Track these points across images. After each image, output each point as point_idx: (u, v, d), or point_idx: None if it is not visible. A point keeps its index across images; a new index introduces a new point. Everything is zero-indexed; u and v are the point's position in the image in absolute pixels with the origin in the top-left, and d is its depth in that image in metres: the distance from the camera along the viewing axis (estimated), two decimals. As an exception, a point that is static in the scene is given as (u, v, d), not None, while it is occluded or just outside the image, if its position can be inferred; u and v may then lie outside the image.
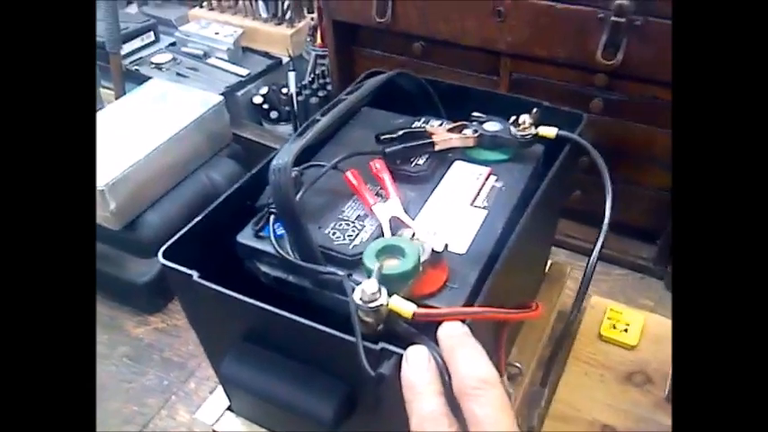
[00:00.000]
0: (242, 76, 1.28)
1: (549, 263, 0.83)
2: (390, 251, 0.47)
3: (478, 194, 0.59)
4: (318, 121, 0.56)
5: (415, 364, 0.37)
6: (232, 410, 0.65)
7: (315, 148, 0.64)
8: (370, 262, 0.45)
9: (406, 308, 0.42)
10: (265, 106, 1.24)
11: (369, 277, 0.43)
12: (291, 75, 1.29)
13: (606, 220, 0.58)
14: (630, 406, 0.72)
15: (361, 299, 0.42)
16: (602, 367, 0.77)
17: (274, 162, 0.49)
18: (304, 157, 0.59)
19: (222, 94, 1.11)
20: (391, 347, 0.41)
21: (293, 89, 1.28)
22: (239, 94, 1.25)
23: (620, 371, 0.76)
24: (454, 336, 0.38)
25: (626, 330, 0.80)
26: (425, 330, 0.43)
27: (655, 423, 0.70)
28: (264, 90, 1.24)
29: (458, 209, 0.57)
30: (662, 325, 0.81)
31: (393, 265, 0.45)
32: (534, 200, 0.57)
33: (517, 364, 0.67)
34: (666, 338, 0.80)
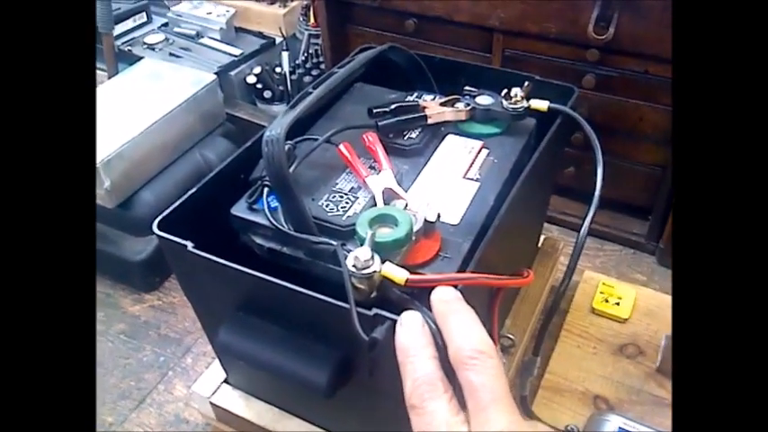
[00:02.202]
0: (235, 56, 1.27)
1: (542, 238, 0.84)
2: (383, 220, 0.47)
3: (471, 167, 0.60)
4: (310, 93, 0.56)
5: (409, 327, 0.38)
6: (229, 383, 0.65)
7: (308, 122, 0.64)
8: (363, 230, 0.45)
9: (398, 274, 0.43)
10: (259, 86, 1.23)
11: (362, 245, 0.43)
12: (285, 54, 1.28)
13: (597, 192, 0.59)
14: (622, 377, 0.73)
15: (354, 266, 0.42)
16: (595, 340, 0.78)
17: (267, 133, 0.49)
18: (297, 131, 0.60)
19: (215, 74, 1.10)
20: (384, 313, 0.42)
21: (287, 68, 1.28)
22: (232, 74, 1.25)
23: (613, 343, 0.77)
24: (447, 300, 0.39)
25: (618, 304, 0.81)
26: (419, 298, 0.44)
27: (646, 394, 0.71)
28: (258, 70, 1.24)
29: (450, 181, 0.58)
30: (653, 298, 0.82)
31: (386, 233, 0.46)
32: (525, 171, 0.58)
33: (510, 336, 0.67)
34: (658, 312, 0.81)
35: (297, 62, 1.29)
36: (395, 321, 0.41)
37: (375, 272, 0.42)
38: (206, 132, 1.09)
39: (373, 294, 0.44)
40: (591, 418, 0.66)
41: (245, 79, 1.25)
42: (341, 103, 0.69)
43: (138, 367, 0.87)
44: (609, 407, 0.70)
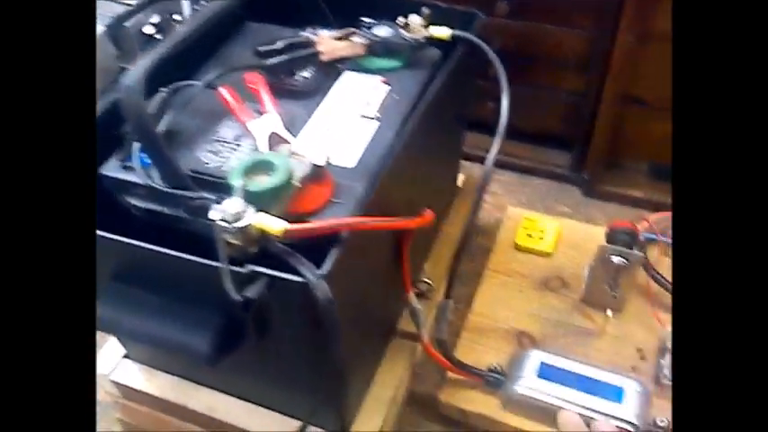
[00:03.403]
0: (130, 5, 1.17)
1: (462, 177, 0.81)
2: (262, 168, 0.43)
3: (370, 105, 0.55)
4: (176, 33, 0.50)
5: None
6: (129, 358, 0.61)
7: (193, 67, 0.58)
8: (236, 180, 0.41)
9: (275, 225, 0.39)
10: (158, 36, 1.14)
11: (237, 197, 0.39)
12: (185, 1, 1.19)
13: (503, 121, 0.55)
14: (547, 311, 0.72)
15: (223, 219, 0.38)
16: (519, 276, 0.76)
17: (122, 80, 0.43)
18: (180, 77, 0.54)
19: (107, 26, 1.01)
20: (261, 269, 0.38)
21: (187, 15, 1.19)
22: (128, 24, 1.15)
23: (537, 278, 0.76)
24: None
25: (541, 238, 0.79)
26: (305, 250, 0.40)
27: (571, 326, 0.70)
28: (156, 19, 1.14)
29: (347, 122, 0.53)
30: (577, 230, 0.81)
31: (262, 182, 0.41)
32: (424, 104, 0.54)
33: (427, 280, 0.65)
34: (582, 243, 0.79)
35: (196, 7, 1.20)
36: (272, 278, 0.38)
37: (248, 225, 0.38)
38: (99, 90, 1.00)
39: (253, 249, 0.39)
40: (513, 356, 0.64)
41: (141, 30, 1.16)
42: (230, 44, 0.63)
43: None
44: (533, 343, 0.68)
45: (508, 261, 0.78)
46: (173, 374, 0.58)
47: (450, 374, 0.65)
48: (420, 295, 0.64)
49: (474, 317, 0.71)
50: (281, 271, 0.39)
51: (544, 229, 0.80)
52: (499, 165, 0.97)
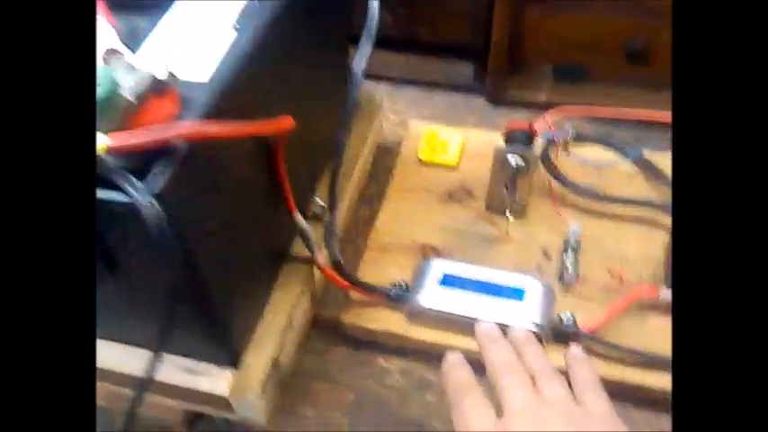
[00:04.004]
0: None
1: (360, 93, 0.77)
2: (83, 83, 0.38)
3: (227, 13, 0.50)
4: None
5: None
6: None
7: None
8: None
9: (97, 142, 0.34)
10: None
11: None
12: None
13: (370, 23, 0.51)
14: (451, 222, 0.70)
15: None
16: (423, 191, 0.74)
17: None
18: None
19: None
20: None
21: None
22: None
23: (441, 191, 0.74)
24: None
25: (445, 151, 0.77)
26: (138, 171, 0.36)
27: (476, 235, 0.69)
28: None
29: (200, 32, 0.48)
30: (481, 140, 0.79)
31: (80, 97, 0.36)
32: (287, 9, 0.49)
33: (320, 202, 0.62)
34: (486, 152, 0.76)
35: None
36: (102, 201, 0.34)
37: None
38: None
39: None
40: (416, 270, 0.63)
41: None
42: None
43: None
44: (438, 255, 0.67)
45: (412, 177, 0.75)
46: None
47: (353, 295, 0.63)
48: (315, 217, 0.61)
49: (377, 235, 0.69)
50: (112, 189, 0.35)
51: (448, 142, 0.78)
52: (403, 81, 0.94)
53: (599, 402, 0.41)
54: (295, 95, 0.54)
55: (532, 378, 0.42)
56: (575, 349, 0.47)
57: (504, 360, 0.44)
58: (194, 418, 0.59)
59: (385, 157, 0.81)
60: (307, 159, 0.61)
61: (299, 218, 0.55)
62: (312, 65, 0.58)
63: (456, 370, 0.45)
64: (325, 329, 0.64)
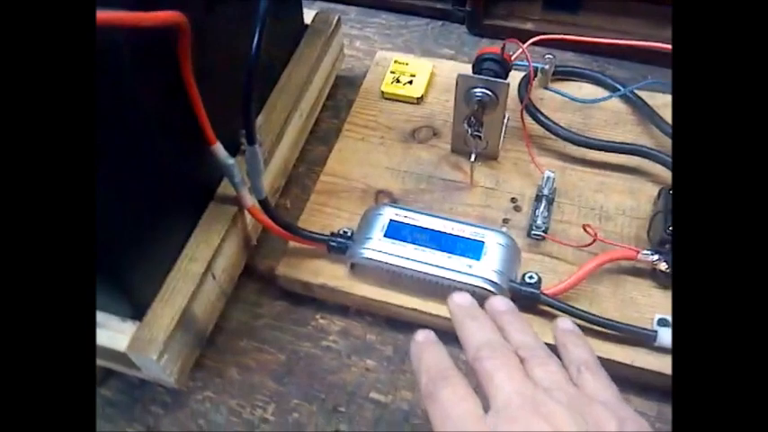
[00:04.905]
0: None
1: (313, 13, 0.67)
2: None
3: None
4: None
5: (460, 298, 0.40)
6: None
7: None
8: None
9: None
10: None
11: None
12: None
13: None
14: (412, 166, 0.62)
15: None
16: (383, 128, 0.65)
17: None
18: None
19: None
20: None
21: None
22: None
23: (403, 129, 0.65)
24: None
25: (411, 83, 0.67)
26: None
27: (437, 180, 0.60)
28: None
29: None
30: (453, 72, 0.68)
31: None
32: None
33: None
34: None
35: None
36: None
37: None
38: None
39: None
40: (363, 217, 0.55)
41: None
42: None
43: None
44: (394, 201, 0.59)
45: (371, 112, 0.66)
46: None
47: (292, 245, 0.55)
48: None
49: (325, 177, 0.61)
50: None
51: (415, 72, 0.68)
52: (375, 5, 0.83)
53: (600, 385, 0.35)
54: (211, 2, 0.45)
55: (521, 359, 0.35)
56: (565, 323, 0.40)
57: (485, 340, 0.36)
58: (106, 375, 0.52)
59: (347, 90, 0.71)
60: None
61: (220, 150, 0.46)
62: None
63: (429, 352, 0.37)
64: (262, 282, 0.56)
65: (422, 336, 0.38)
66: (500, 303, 0.40)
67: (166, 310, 0.46)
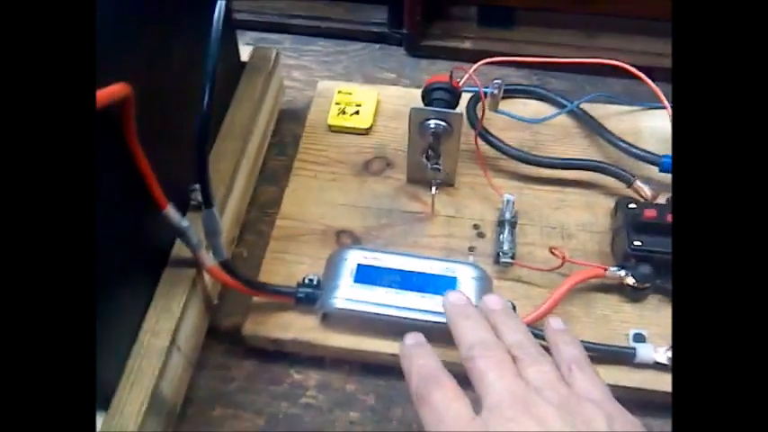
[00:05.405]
0: None
1: (250, 49, 0.65)
2: None
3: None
4: None
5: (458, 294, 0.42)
6: None
7: None
8: None
9: None
10: None
11: None
12: None
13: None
14: (369, 200, 0.60)
15: None
16: (334, 163, 0.63)
17: None
18: None
19: None
20: None
21: None
22: None
23: (355, 162, 0.63)
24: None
25: (357, 113, 0.66)
26: None
27: (397, 212, 0.59)
28: None
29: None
30: (399, 98, 0.68)
31: None
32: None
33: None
34: (406, 111, 0.67)
35: None
36: None
37: None
38: None
39: None
40: (327, 262, 0.53)
41: None
42: None
43: None
44: (355, 240, 0.57)
45: (320, 147, 0.64)
46: None
47: (256, 300, 0.52)
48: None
49: (282, 222, 0.58)
50: None
51: (361, 103, 0.67)
52: (311, 33, 0.81)
53: (591, 384, 0.36)
54: (152, 62, 0.42)
55: (514, 358, 0.36)
56: (556, 322, 0.42)
57: (479, 338, 0.37)
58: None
59: (291, 124, 0.69)
60: (186, 139, 0.49)
61: (172, 212, 0.43)
62: (174, 24, 0.46)
63: (419, 354, 0.38)
64: (226, 342, 0.53)
65: (411, 339, 0.39)
66: (494, 302, 0.41)
67: (133, 394, 0.42)
